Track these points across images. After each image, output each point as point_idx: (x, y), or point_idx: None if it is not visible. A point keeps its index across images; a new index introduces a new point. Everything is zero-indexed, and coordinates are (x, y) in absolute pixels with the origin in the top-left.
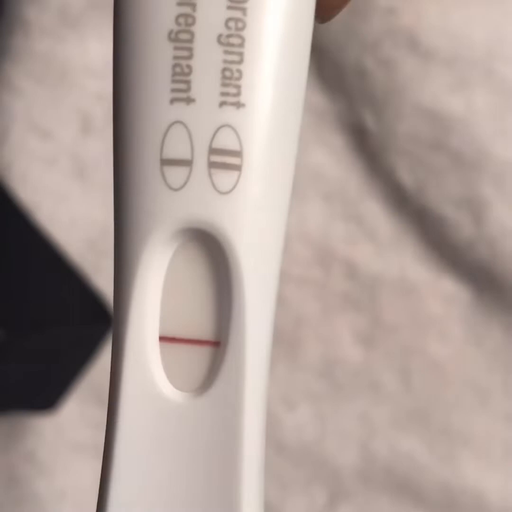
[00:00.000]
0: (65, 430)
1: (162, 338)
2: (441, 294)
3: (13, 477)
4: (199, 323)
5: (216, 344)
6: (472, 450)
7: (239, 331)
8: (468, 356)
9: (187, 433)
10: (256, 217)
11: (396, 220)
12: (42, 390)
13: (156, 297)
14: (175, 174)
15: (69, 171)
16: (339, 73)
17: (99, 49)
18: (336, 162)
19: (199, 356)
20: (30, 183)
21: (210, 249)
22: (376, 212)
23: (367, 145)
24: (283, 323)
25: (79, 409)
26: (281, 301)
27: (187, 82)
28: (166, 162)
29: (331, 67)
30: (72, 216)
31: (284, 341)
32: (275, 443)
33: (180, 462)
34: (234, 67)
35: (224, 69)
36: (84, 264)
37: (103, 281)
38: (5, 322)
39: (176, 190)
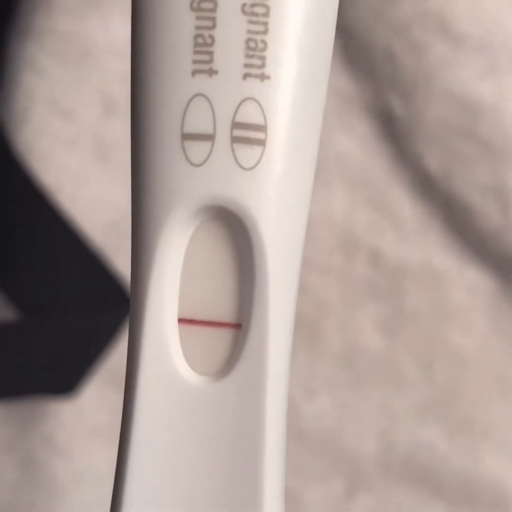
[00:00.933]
0: (83, 414)
1: (181, 320)
2: (466, 284)
3: (32, 459)
4: (220, 304)
5: (237, 326)
6: (493, 441)
7: (262, 312)
8: (491, 347)
9: (207, 417)
10: (280, 194)
11: (422, 207)
12: (62, 374)
13: (175, 278)
14: (197, 149)
15: (90, 153)
16: (367, 58)
17: (122, 29)
18: (362, 148)
19: (220, 339)
20: (51, 164)
21: (232, 228)
22: (401, 199)
23: (394, 131)
24: (305, 310)
25: (98, 393)
26: (303, 288)
27: (210, 53)
28: (187, 136)
29: (359, 51)
30: (93, 198)
31: (306, 328)
32: (294, 431)
33: (199, 447)
34: (258, 37)
35: (248, 40)
36: (105, 247)
37: (124, 264)
38: (25, 306)
39: (197, 166)
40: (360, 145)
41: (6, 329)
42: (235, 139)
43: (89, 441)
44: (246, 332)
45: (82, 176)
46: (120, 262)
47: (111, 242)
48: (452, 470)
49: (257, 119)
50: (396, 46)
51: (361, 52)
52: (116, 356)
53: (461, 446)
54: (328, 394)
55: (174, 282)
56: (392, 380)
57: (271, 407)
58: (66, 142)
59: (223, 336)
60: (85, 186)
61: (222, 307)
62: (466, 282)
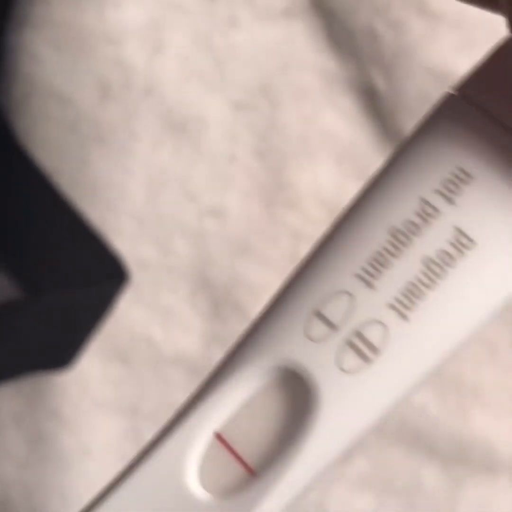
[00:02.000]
0: (88, 388)
1: (217, 435)
2: None
3: (38, 434)
4: (252, 444)
5: (252, 472)
6: (482, 402)
7: (273, 479)
8: None
9: None
10: (357, 405)
11: None
12: (60, 347)
13: (236, 402)
14: (317, 327)
15: (88, 136)
16: (350, 36)
17: (117, 16)
18: (347, 124)
19: (233, 470)
20: (50, 149)
21: (302, 402)
22: None
23: (378, 106)
24: None
25: (102, 366)
26: (294, 259)
27: (378, 271)
28: (319, 314)
29: (342, 31)
30: (92, 180)
31: None
32: None
33: None
34: (421, 287)
35: (412, 283)
36: (103, 227)
37: (121, 242)
38: (25, 282)
39: (308, 338)
40: (345, 121)
41: (5, 306)
42: (349, 342)
43: (95, 413)
44: (254, 481)
45: (81, 159)
46: (118, 240)
47: (110, 222)
48: (444, 430)
49: (376, 341)
50: (378, 24)
51: (345, 31)
52: (119, 331)
53: (451, 407)
54: None
55: (233, 405)
56: None
57: None
58: (64, 126)
59: (238, 471)
60: (84, 169)
61: (251, 449)
62: None
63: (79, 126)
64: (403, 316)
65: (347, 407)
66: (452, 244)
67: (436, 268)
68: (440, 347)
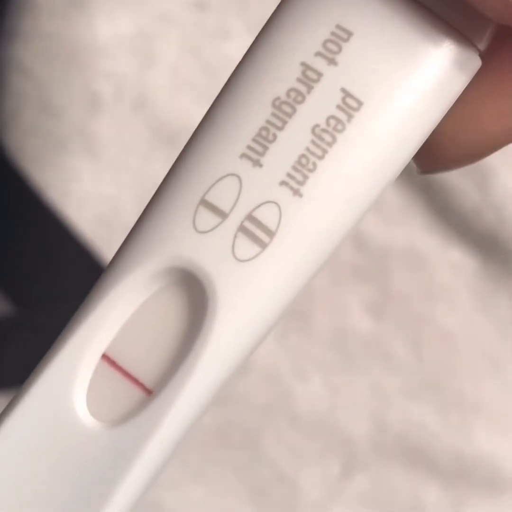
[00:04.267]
0: None
1: (105, 357)
2: (449, 263)
3: None
4: (145, 363)
5: (149, 392)
6: (484, 417)
7: (173, 395)
8: (477, 324)
9: (74, 453)
10: (257, 295)
11: (403, 190)
12: None
13: (123, 317)
14: (206, 218)
15: (79, 150)
16: None
17: (107, 28)
18: None
19: (127, 393)
20: (42, 162)
21: (197, 302)
22: None
23: None
24: None
25: None
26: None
27: (265, 148)
28: (205, 203)
29: None
30: (83, 194)
31: (295, 313)
32: (288, 414)
33: (54, 474)
34: (312, 158)
35: (302, 155)
36: (95, 241)
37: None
38: (18, 299)
39: (197, 231)
40: None
41: (0, 323)
42: (242, 228)
43: None
44: (152, 401)
45: (72, 173)
46: (110, 255)
47: (102, 235)
48: (445, 447)
49: (270, 223)
50: None
51: None
52: None
53: (452, 423)
54: (319, 377)
55: (120, 319)
56: (382, 361)
57: (135, 474)
58: (55, 140)
59: (131, 393)
60: (76, 182)
61: (145, 366)
62: (449, 261)
63: (70, 139)
64: (297, 192)
65: (246, 299)
66: (340, 108)
67: (326, 136)
68: (339, 222)
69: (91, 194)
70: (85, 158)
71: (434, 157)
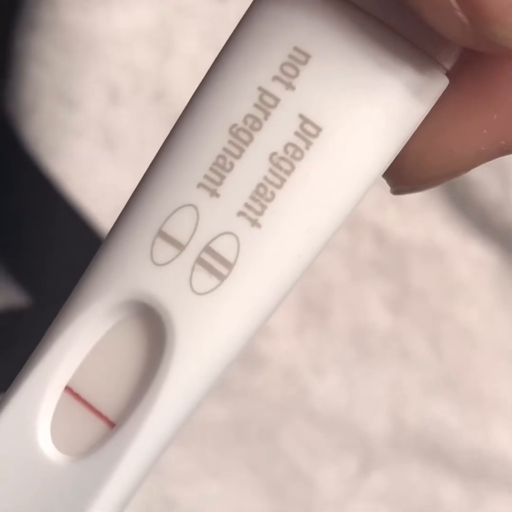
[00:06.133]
0: None
1: (68, 389)
2: (469, 258)
3: None
4: (108, 395)
5: (111, 424)
6: (502, 415)
7: (135, 426)
8: (497, 321)
9: (38, 485)
10: (215, 328)
11: None
12: None
13: (84, 349)
14: (163, 250)
15: (97, 142)
16: None
17: (125, 19)
18: None
19: (90, 425)
20: (59, 154)
21: (156, 337)
22: None
23: None
24: (312, 290)
25: None
26: (311, 268)
27: (222, 177)
28: (162, 234)
29: None
30: (101, 186)
31: (313, 308)
32: (305, 411)
33: (19, 507)
34: (270, 187)
35: (260, 184)
36: None
37: None
38: (32, 292)
39: (155, 264)
40: None
41: (15, 317)
42: (200, 261)
43: None
44: (114, 434)
45: (90, 165)
46: None
47: None
48: (463, 445)
49: (229, 255)
50: None
51: None
52: None
53: (471, 420)
54: (337, 373)
55: (82, 351)
56: (400, 357)
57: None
58: (73, 132)
59: (95, 426)
60: (93, 175)
61: (107, 398)
62: (469, 256)
63: (88, 131)
64: (255, 223)
65: (205, 332)
66: (298, 135)
67: (284, 164)
68: (298, 252)
69: (108, 187)
70: (103, 150)
71: (403, 178)
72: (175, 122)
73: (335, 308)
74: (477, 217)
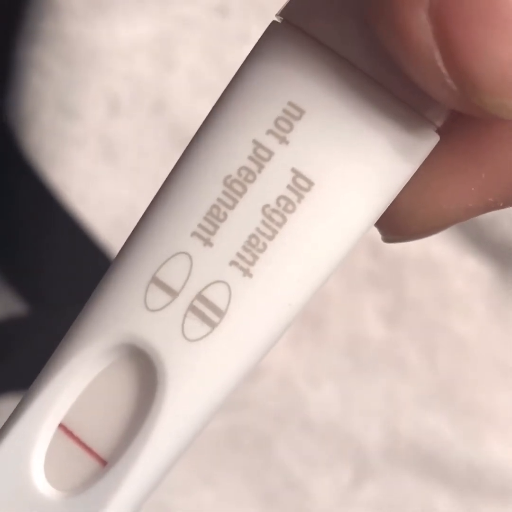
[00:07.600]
0: None
1: (61, 426)
2: (464, 272)
3: None
4: (101, 434)
5: (103, 462)
6: (497, 426)
7: (127, 466)
8: (492, 333)
9: None
10: (206, 374)
11: None
12: None
13: (78, 389)
14: (157, 296)
15: (97, 152)
16: None
17: (126, 31)
18: None
19: (83, 462)
20: (59, 164)
21: (148, 378)
22: None
23: None
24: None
25: None
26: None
27: (216, 227)
28: (156, 281)
29: None
30: (100, 195)
31: (309, 319)
32: (300, 420)
33: None
34: (262, 239)
35: (252, 235)
36: (111, 243)
37: None
38: (32, 299)
39: (148, 309)
40: None
41: (15, 324)
42: (192, 308)
43: None
44: (107, 472)
45: (89, 175)
46: None
47: (118, 237)
48: (457, 456)
49: (220, 303)
50: None
51: None
52: None
53: (465, 431)
54: (332, 383)
55: (77, 390)
56: (395, 368)
57: None
58: (73, 142)
59: (87, 463)
60: (93, 184)
61: (100, 437)
62: (464, 270)
63: (88, 141)
64: (247, 272)
65: (195, 378)
66: (291, 188)
67: (276, 216)
68: (289, 302)
69: (108, 197)
70: (103, 160)
71: (393, 229)
72: (174, 133)
73: (331, 319)
74: (472, 231)
